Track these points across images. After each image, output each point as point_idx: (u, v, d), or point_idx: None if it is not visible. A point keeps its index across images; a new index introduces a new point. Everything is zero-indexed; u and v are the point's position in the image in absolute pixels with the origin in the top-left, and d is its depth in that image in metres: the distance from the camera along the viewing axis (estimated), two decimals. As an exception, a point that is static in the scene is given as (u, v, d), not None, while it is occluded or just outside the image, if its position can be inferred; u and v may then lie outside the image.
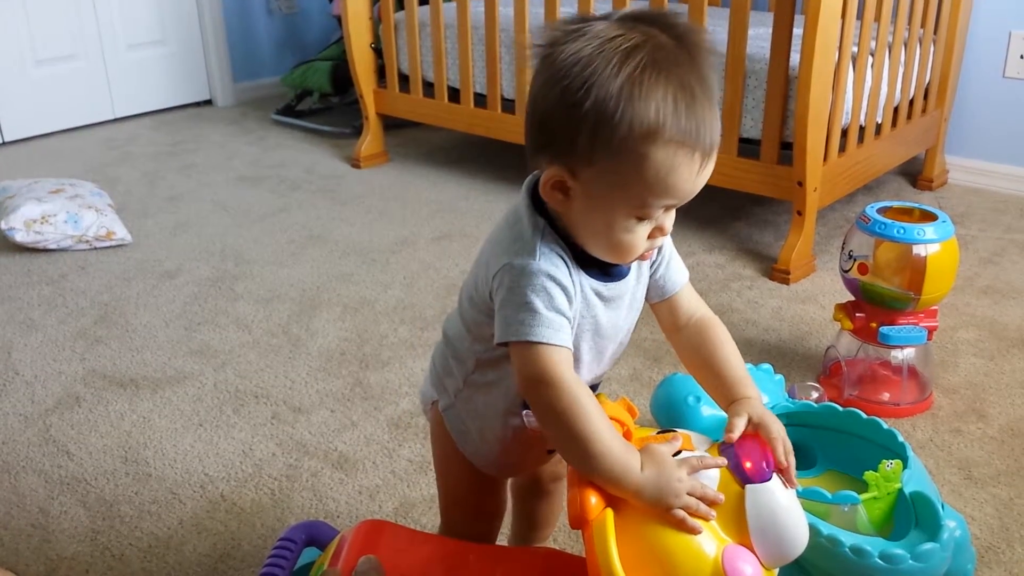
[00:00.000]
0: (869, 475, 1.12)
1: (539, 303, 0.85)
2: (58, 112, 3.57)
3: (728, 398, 0.95)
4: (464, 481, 1.09)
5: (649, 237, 0.88)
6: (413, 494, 1.47)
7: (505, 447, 1.02)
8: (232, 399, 1.75)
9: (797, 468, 1.05)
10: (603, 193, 0.83)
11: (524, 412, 0.97)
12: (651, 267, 0.99)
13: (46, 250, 2.43)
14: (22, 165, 3.16)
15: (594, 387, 1.01)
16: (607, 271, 0.92)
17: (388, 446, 1.60)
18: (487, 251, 0.93)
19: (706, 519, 0.84)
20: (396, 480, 1.51)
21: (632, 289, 0.96)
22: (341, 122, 3.55)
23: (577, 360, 0.93)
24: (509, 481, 1.21)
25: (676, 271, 1.01)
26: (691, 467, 0.86)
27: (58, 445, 1.62)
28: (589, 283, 0.91)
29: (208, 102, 4.01)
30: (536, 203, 0.90)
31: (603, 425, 0.85)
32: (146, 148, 3.40)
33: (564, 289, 0.87)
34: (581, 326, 0.91)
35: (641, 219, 0.85)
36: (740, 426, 0.91)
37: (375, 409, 1.71)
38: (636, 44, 0.79)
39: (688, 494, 0.84)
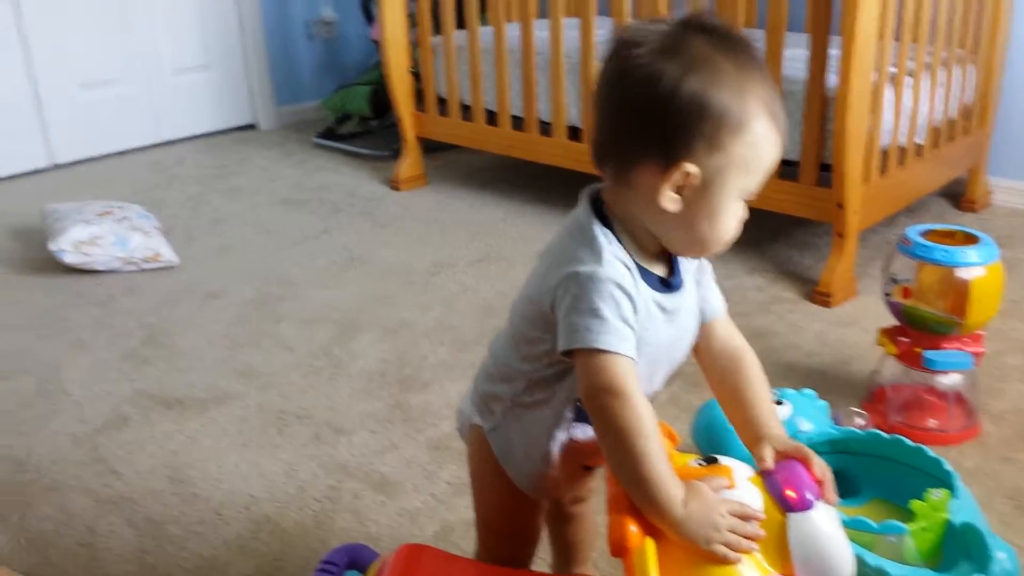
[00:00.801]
0: (916, 504, 1.11)
1: (607, 310, 0.86)
2: (105, 136, 3.64)
3: (755, 433, 0.95)
4: (503, 504, 1.09)
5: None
6: (452, 517, 1.48)
7: (549, 464, 1.02)
8: (275, 420, 1.78)
9: (841, 496, 1.04)
10: (729, 179, 0.86)
11: (572, 425, 0.97)
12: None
13: (94, 271, 2.48)
14: (71, 188, 3.23)
15: None
16: (666, 283, 0.93)
17: (428, 468, 1.61)
18: (546, 262, 0.93)
19: (747, 552, 0.84)
20: (436, 503, 1.52)
21: (691, 300, 0.97)
22: (380, 145, 3.59)
23: (642, 379, 0.93)
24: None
25: (716, 297, 1.02)
26: (732, 509, 0.85)
27: (106, 464, 1.65)
28: (651, 295, 0.91)
29: (251, 126, 4.07)
30: (598, 214, 0.91)
31: (658, 449, 0.85)
32: (191, 171, 3.47)
33: (631, 298, 0.87)
34: (643, 340, 0.90)
35: (746, 199, 0.89)
36: (769, 455, 0.92)
37: (415, 431, 1.72)
38: (715, 42, 0.85)
39: (729, 530, 0.83)
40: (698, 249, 0.91)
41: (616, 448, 0.86)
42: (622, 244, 0.90)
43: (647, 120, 0.85)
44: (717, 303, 1.02)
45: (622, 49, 0.87)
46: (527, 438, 1.02)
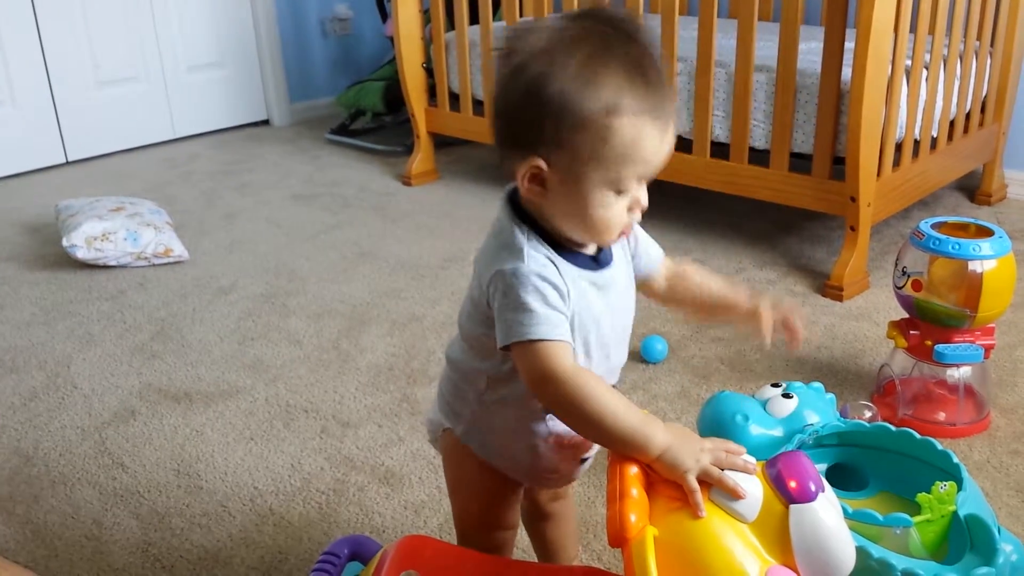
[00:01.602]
0: (922, 497, 1.10)
1: (534, 302, 0.88)
2: (120, 132, 3.66)
3: (738, 307, 1.05)
4: (480, 498, 1.10)
5: (628, 211, 0.91)
6: (458, 510, 1.47)
7: (538, 456, 1.03)
8: (282, 413, 1.78)
9: (848, 489, 1.04)
10: (578, 173, 0.87)
11: (550, 417, 0.99)
12: (629, 252, 1.04)
13: (106, 267, 2.50)
14: (84, 184, 3.26)
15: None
16: (596, 260, 0.96)
17: (434, 462, 1.60)
18: (479, 265, 0.96)
19: (734, 494, 0.84)
20: (441, 496, 1.51)
21: (623, 271, 1.00)
22: (393, 140, 3.59)
23: (587, 355, 0.96)
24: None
25: (652, 248, 1.07)
26: (718, 458, 0.87)
27: (113, 458, 1.66)
28: (581, 275, 0.93)
29: (265, 122, 4.09)
30: (517, 212, 0.94)
31: (613, 401, 0.88)
32: (204, 167, 3.48)
33: (555, 287, 0.89)
34: (583, 320, 0.93)
35: (618, 193, 0.88)
36: (765, 306, 1.03)
37: (422, 425, 1.72)
38: (585, 33, 0.85)
39: (712, 463, 0.86)
40: (586, 236, 0.93)
41: (578, 421, 0.90)
42: (542, 235, 0.92)
43: (503, 117, 0.89)
44: (654, 252, 1.07)
45: (504, 47, 0.89)
46: (504, 436, 1.03)
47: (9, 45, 3.32)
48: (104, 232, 2.47)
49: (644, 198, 0.91)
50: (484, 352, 0.98)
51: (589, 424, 0.89)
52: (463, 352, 1.03)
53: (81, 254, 2.45)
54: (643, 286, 1.08)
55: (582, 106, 0.83)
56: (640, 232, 1.05)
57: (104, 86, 3.58)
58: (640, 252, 1.05)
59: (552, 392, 0.89)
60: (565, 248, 0.93)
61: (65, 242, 2.45)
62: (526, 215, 0.94)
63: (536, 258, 0.90)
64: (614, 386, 0.99)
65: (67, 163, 3.55)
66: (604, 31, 0.86)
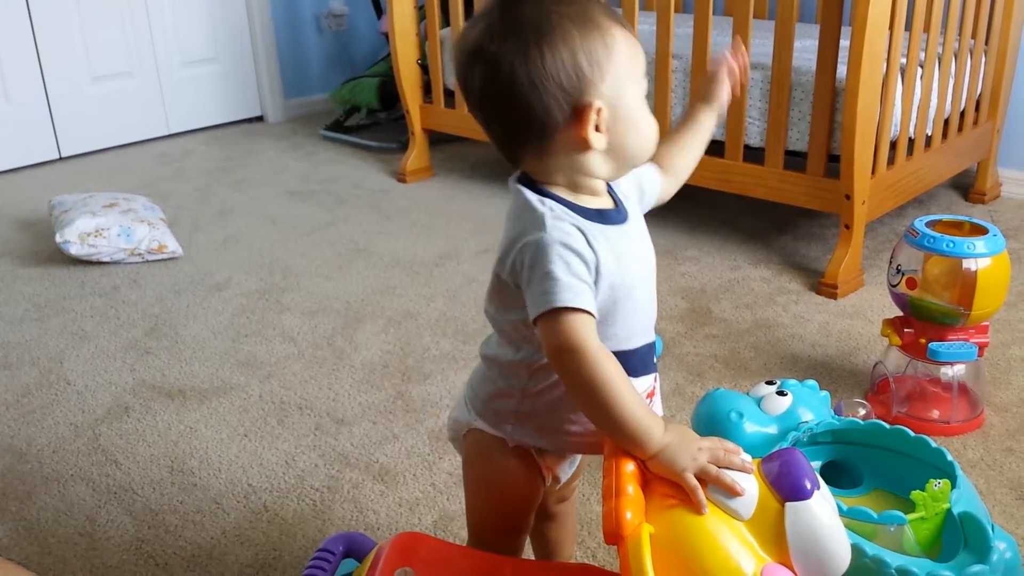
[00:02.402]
0: (916, 495, 1.10)
1: (558, 271, 0.89)
2: (113, 128, 3.65)
3: (700, 99, 1.14)
4: (507, 497, 1.08)
5: None
6: (452, 507, 1.47)
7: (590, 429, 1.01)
8: (276, 410, 1.77)
9: (842, 486, 1.04)
10: (627, 91, 0.92)
11: None
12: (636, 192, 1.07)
13: (99, 263, 2.49)
14: (78, 180, 3.24)
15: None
16: (619, 213, 0.99)
17: (428, 459, 1.60)
18: (502, 249, 0.96)
19: (732, 491, 0.85)
20: (436, 493, 1.51)
21: (638, 217, 1.03)
22: (388, 137, 3.59)
23: (635, 310, 0.98)
24: None
25: (649, 175, 1.09)
26: (716, 456, 0.87)
27: (106, 454, 1.65)
28: (614, 230, 0.96)
29: (259, 118, 4.07)
30: (533, 189, 0.95)
31: (626, 390, 0.88)
32: (199, 163, 3.47)
33: (580, 255, 0.90)
34: (627, 271, 0.95)
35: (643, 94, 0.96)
36: (720, 71, 1.12)
37: (416, 422, 1.72)
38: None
39: (711, 461, 0.86)
40: (637, 161, 0.98)
41: (588, 401, 0.90)
42: (565, 202, 0.94)
43: (538, 95, 0.90)
44: (653, 175, 1.09)
45: (474, 56, 0.92)
46: (552, 413, 1.02)
47: (2, 40, 3.30)
48: (97, 228, 2.46)
49: None
50: (520, 340, 0.98)
51: (598, 406, 0.88)
52: (498, 346, 1.02)
53: (74, 250, 2.44)
54: (661, 198, 1.12)
55: (600, 35, 0.90)
56: (645, 171, 1.08)
57: (98, 81, 3.57)
58: (644, 186, 1.07)
59: (571, 364, 0.88)
60: (590, 210, 0.95)
61: (58, 238, 2.44)
62: (543, 191, 0.95)
63: (559, 226, 0.91)
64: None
65: (60, 159, 3.53)
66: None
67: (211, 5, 3.80)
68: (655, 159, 1.06)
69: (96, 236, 2.45)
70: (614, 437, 0.89)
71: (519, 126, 0.93)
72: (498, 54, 0.89)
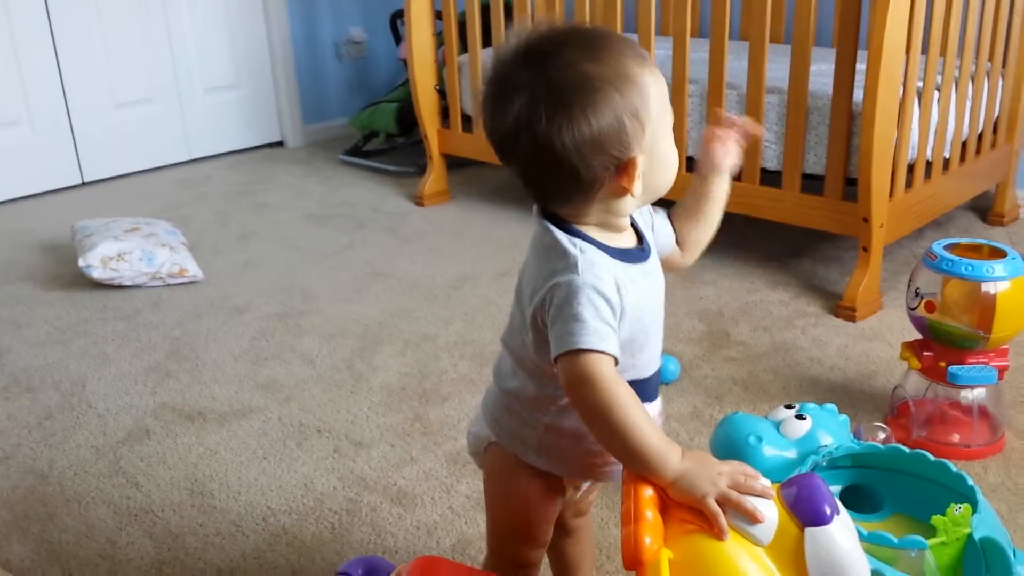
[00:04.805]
0: (937, 519, 1.09)
1: (587, 314, 0.90)
2: (136, 154, 3.69)
3: (702, 171, 1.10)
4: (527, 511, 1.09)
5: None
6: (470, 531, 1.47)
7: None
8: (296, 433, 1.78)
9: (862, 511, 1.04)
10: (660, 133, 0.94)
11: None
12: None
13: (121, 287, 2.51)
14: (101, 204, 3.28)
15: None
16: (642, 250, 1.01)
17: (446, 482, 1.60)
18: (526, 287, 0.97)
19: (753, 518, 0.85)
20: (454, 516, 1.51)
21: (655, 254, 1.04)
22: (406, 162, 3.61)
23: (644, 346, 0.99)
24: None
25: (663, 226, 1.09)
26: (736, 482, 0.87)
27: (127, 477, 1.66)
28: (638, 270, 0.97)
29: (279, 143, 4.11)
30: (560, 226, 0.96)
31: (642, 418, 0.89)
32: (219, 188, 3.51)
33: (608, 300, 0.92)
34: (641, 311, 0.96)
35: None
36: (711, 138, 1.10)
37: (434, 444, 1.72)
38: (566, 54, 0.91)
39: (730, 486, 0.86)
40: (662, 193, 0.99)
41: (603, 429, 0.91)
42: (596, 243, 0.95)
43: (586, 163, 0.91)
44: (665, 227, 1.10)
45: (518, 128, 0.91)
46: (574, 445, 1.03)
47: (27, 66, 3.36)
48: (119, 252, 2.49)
49: None
50: (542, 377, 1.00)
51: (613, 433, 0.89)
52: (523, 381, 1.03)
53: (97, 274, 2.47)
54: (668, 261, 1.10)
55: (636, 89, 0.90)
56: (658, 215, 1.09)
57: (120, 107, 3.62)
58: (657, 227, 1.08)
59: (586, 394, 0.90)
60: (616, 250, 0.97)
61: (81, 262, 2.47)
62: (571, 230, 0.96)
63: (592, 271, 0.92)
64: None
65: (83, 184, 3.58)
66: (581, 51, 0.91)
67: (232, 33, 3.85)
68: (679, 239, 1.10)
69: (118, 260, 2.48)
70: (630, 464, 0.90)
71: (563, 186, 0.94)
72: (546, 128, 0.89)
